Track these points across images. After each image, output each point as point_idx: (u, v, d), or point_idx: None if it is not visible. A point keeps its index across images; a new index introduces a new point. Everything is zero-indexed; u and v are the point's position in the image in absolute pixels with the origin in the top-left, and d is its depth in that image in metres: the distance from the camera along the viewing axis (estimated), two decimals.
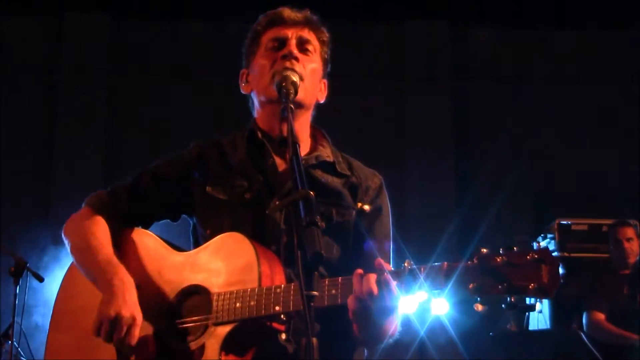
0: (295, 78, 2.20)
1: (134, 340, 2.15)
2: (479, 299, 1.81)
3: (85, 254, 2.34)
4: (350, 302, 1.98)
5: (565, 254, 6.73)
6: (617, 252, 6.07)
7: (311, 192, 1.82)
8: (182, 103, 8.60)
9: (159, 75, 8.81)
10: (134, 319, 2.15)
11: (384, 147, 8.61)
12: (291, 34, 2.36)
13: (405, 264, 1.91)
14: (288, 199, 1.85)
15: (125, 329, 2.13)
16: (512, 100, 8.88)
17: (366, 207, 2.34)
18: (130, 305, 2.16)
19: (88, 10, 8.68)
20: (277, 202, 2.24)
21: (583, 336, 5.39)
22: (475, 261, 1.83)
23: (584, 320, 5.95)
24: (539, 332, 6.45)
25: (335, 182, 2.37)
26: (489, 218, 6.92)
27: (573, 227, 6.87)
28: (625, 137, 8.53)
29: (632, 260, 5.99)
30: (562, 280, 1.81)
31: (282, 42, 2.35)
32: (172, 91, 8.68)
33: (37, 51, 8.80)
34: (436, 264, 1.88)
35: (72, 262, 2.47)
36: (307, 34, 2.38)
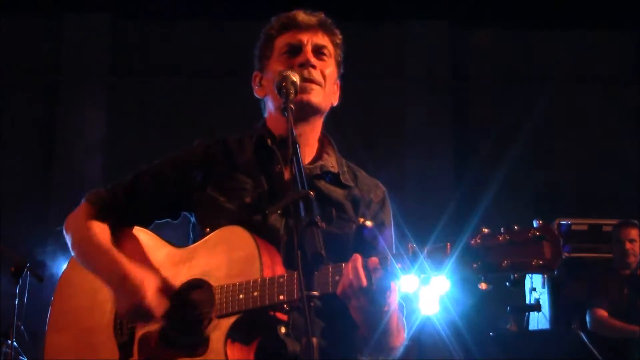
0: (295, 78, 2.15)
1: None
2: (482, 277, 1.84)
3: (87, 251, 2.34)
4: (340, 291, 1.98)
5: (565, 254, 6.70)
6: (618, 252, 6.06)
7: (311, 192, 1.83)
8: (182, 103, 8.60)
9: (159, 75, 8.81)
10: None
11: (384, 147, 8.60)
12: (306, 39, 2.32)
13: (409, 246, 1.93)
14: (288, 198, 1.84)
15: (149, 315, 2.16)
16: (512, 100, 8.88)
17: (368, 223, 2.29)
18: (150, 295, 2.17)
19: (88, 10, 8.68)
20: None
21: (583, 336, 5.39)
22: (478, 240, 1.85)
23: (587, 318, 5.95)
24: (539, 332, 6.45)
25: (337, 193, 2.34)
26: (489, 218, 6.90)
27: (573, 227, 6.86)
28: (625, 137, 8.53)
29: (632, 261, 5.99)
30: (564, 257, 1.85)
31: (298, 48, 2.32)
32: (172, 91, 8.68)
33: (37, 51, 8.80)
34: (439, 245, 1.90)
35: (68, 263, 2.46)
36: (321, 38, 2.35)
